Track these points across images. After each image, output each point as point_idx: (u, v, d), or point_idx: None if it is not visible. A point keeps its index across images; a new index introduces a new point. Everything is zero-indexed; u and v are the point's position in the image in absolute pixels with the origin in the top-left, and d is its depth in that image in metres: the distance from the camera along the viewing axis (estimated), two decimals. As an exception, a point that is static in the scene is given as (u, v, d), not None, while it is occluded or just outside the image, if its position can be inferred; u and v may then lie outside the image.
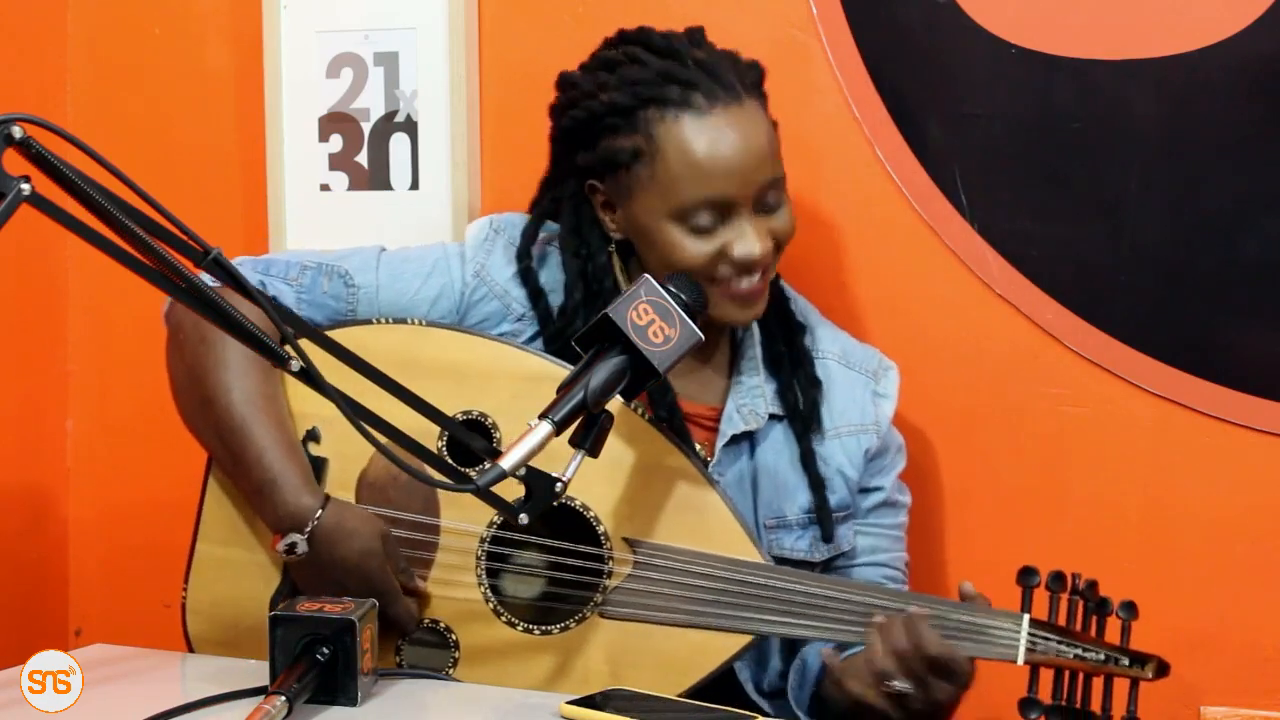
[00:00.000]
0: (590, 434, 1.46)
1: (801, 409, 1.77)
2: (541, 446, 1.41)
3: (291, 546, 1.60)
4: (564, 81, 1.78)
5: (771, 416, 1.77)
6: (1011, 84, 1.97)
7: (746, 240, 1.67)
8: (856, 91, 2.03)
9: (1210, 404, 1.93)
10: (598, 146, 1.71)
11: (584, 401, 1.44)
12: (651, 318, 1.48)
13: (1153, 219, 1.93)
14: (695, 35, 1.75)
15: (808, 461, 1.76)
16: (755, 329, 1.80)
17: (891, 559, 1.84)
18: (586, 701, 1.44)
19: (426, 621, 1.66)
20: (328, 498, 1.62)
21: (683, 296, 1.52)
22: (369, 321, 1.73)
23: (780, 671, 1.78)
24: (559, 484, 1.44)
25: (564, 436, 1.45)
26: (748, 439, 1.77)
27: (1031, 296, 1.98)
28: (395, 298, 1.75)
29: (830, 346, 1.84)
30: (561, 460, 1.46)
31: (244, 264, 1.76)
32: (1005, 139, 1.98)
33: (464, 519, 1.65)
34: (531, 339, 1.75)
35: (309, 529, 1.60)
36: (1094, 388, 1.97)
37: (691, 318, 1.51)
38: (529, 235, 1.78)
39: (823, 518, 1.76)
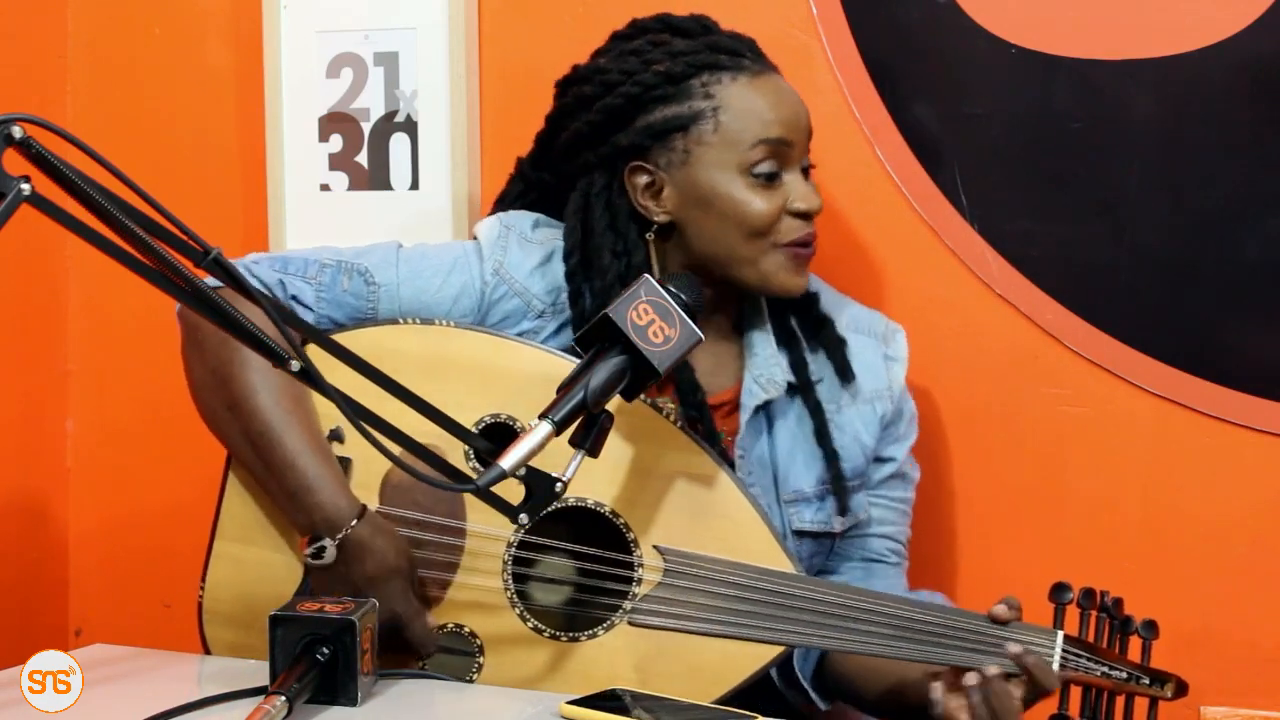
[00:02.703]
0: (590, 434, 1.46)
1: (834, 369, 1.77)
2: (541, 446, 1.41)
3: (320, 550, 1.57)
4: (582, 75, 1.77)
5: (788, 386, 1.76)
6: (1011, 84, 1.97)
7: (803, 193, 1.71)
8: (856, 91, 2.03)
9: (1210, 404, 1.93)
10: (645, 121, 1.71)
11: (584, 401, 1.44)
12: (651, 318, 1.48)
13: (1153, 219, 1.93)
14: (709, 21, 1.79)
15: (822, 435, 1.75)
16: (763, 304, 1.79)
17: (896, 532, 1.84)
18: (586, 701, 1.44)
19: (451, 626, 1.64)
20: (364, 508, 1.61)
21: (683, 296, 1.51)
22: (396, 322, 1.71)
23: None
24: (559, 484, 1.44)
25: (564, 437, 1.44)
26: (764, 416, 1.76)
27: (1031, 296, 1.98)
28: (416, 294, 1.73)
29: (836, 313, 1.83)
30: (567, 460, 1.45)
31: (260, 261, 1.74)
32: (1005, 139, 1.98)
33: (490, 523, 1.62)
34: (550, 336, 1.74)
35: (341, 536, 1.58)
36: (1094, 388, 1.97)
37: (691, 318, 1.50)
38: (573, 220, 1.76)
39: (838, 490, 1.76)
